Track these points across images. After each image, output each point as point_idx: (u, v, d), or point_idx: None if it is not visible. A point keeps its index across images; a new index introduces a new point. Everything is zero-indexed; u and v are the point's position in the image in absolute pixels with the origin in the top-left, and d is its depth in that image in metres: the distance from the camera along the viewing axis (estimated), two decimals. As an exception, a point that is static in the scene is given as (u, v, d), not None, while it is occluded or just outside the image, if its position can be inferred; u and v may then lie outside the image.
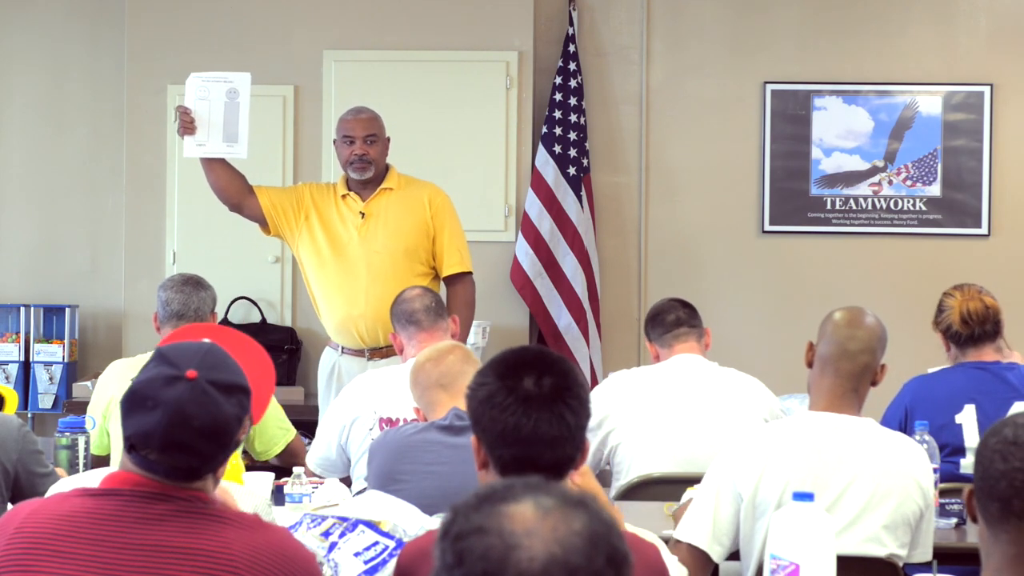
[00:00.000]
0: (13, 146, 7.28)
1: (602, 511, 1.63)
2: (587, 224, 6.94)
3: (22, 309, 7.04)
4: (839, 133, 7.06)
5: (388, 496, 3.34)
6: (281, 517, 3.39)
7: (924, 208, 7.05)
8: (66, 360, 6.98)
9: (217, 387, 2.37)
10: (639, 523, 2.97)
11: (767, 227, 7.09)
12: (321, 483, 4.07)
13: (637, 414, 4.48)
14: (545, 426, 2.45)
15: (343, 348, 5.49)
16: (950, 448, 4.29)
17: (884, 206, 7.05)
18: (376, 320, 5.30)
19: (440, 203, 5.51)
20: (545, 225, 6.85)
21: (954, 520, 3.95)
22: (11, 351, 6.99)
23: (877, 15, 7.08)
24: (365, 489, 3.86)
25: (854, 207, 7.06)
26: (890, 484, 3.36)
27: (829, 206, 7.07)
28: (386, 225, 5.46)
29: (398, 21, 6.96)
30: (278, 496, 4.03)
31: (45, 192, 7.25)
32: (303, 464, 4.47)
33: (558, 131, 6.93)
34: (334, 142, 5.60)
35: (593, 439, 4.44)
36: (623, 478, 4.44)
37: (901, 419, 4.39)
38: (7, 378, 6.94)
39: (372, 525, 3.09)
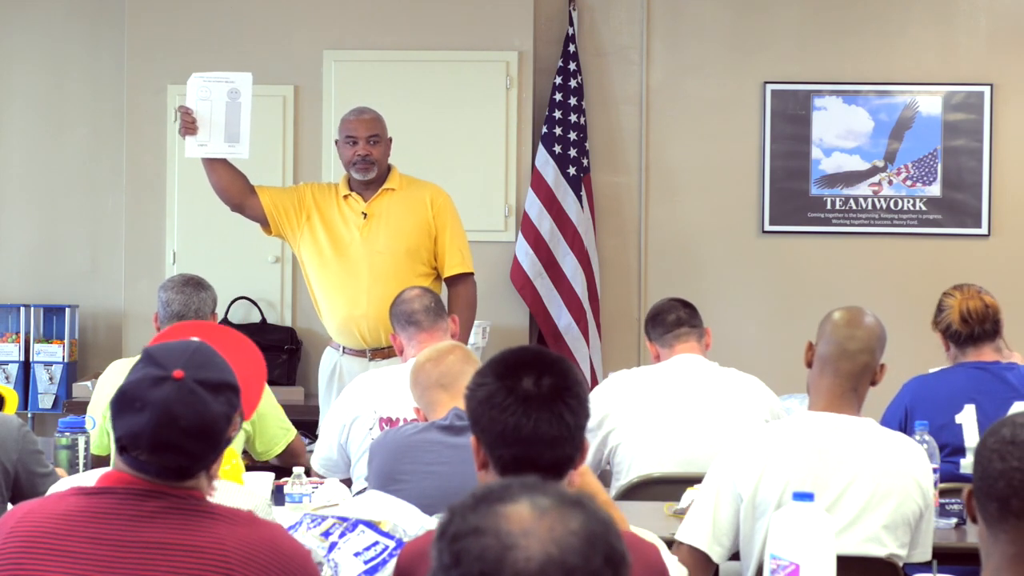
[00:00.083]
0: (13, 146, 7.28)
1: (599, 510, 1.63)
2: (587, 224, 6.94)
3: (22, 309, 7.05)
4: (839, 133, 7.06)
5: (388, 496, 3.34)
6: (281, 517, 3.39)
7: (924, 208, 7.05)
8: (66, 360, 6.98)
9: (204, 386, 2.38)
10: (639, 523, 2.97)
11: (767, 227, 7.09)
12: (321, 483, 4.08)
13: (637, 414, 4.48)
14: (545, 426, 2.45)
15: (344, 348, 5.49)
16: (950, 448, 4.29)
17: (884, 206, 7.05)
18: (378, 320, 5.30)
19: (442, 203, 5.52)
20: (545, 225, 6.85)
21: (954, 520, 3.95)
22: (11, 351, 7.00)
23: (877, 15, 7.08)
24: (365, 489, 3.86)
25: (854, 207, 7.06)
26: (890, 484, 3.36)
27: (829, 206, 7.07)
28: (388, 225, 5.46)
29: (398, 21, 6.96)
30: (278, 496, 4.04)
31: (45, 192, 7.25)
32: (303, 464, 4.47)
33: (558, 131, 6.93)
34: (336, 142, 5.60)
35: (593, 439, 4.44)
36: (623, 478, 4.44)
37: (901, 419, 4.39)
38: (7, 378, 6.94)
39: (372, 525, 3.09)
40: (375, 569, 3.01)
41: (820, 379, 3.47)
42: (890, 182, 7.05)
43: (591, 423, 3.85)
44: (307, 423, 5.43)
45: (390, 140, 5.53)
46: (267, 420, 4.74)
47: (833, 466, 3.36)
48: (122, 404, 2.39)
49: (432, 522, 3.11)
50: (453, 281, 5.54)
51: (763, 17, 7.10)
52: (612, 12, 7.12)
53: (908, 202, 7.05)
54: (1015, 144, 7.05)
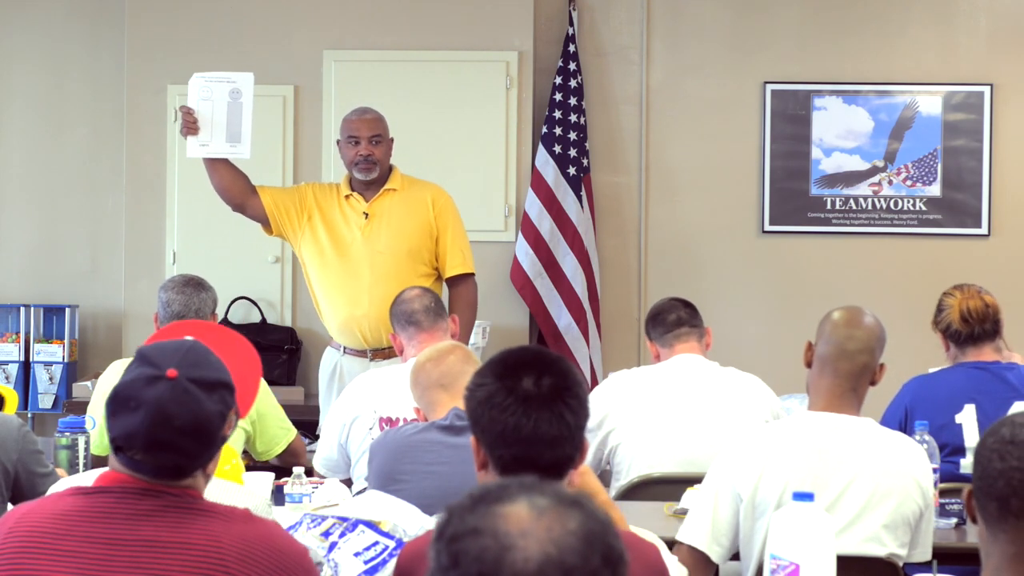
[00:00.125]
0: (13, 146, 7.28)
1: (597, 510, 1.63)
2: (587, 224, 6.94)
3: (22, 309, 7.05)
4: (839, 133, 7.06)
5: (388, 496, 3.34)
6: (281, 517, 3.39)
7: (924, 208, 7.05)
8: (66, 360, 6.98)
9: (198, 384, 2.38)
10: (639, 523, 2.97)
11: (767, 227, 7.09)
12: (321, 483, 4.08)
13: (637, 414, 4.48)
14: (545, 426, 2.45)
15: (345, 348, 5.49)
16: (950, 448, 4.29)
17: (884, 206, 7.05)
18: (379, 320, 5.30)
19: (443, 204, 5.53)
20: (545, 225, 6.85)
21: (954, 520, 3.95)
22: (11, 351, 7.00)
23: (877, 15, 7.08)
24: (365, 489, 3.86)
25: (854, 207, 7.06)
26: (890, 484, 3.36)
27: (829, 206, 7.07)
28: (390, 225, 5.47)
29: (398, 21, 6.96)
30: (278, 496, 4.04)
31: (45, 192, 7.26)
32: (303, 464, 4.47)
33: (558, 131, 6.93)
34: (338, 143, 5.60)
35: (593, 439, 4.44)
36: (623, 478, 4.44)
37: (901, 419, 4.39)
38: (7, 378, 6.95)
39: (372, 525, 3.09)
40: (375, 569, 3.01)
41: (819, 379, 3.47)
42: (890, 182, 7.05)
43: (591, 423, 3.85)
44: (307, 423, 5.43)
45: (392, 140, 5.53)
46: (267, 420, 4.74)
47: (833, 466, 3.36)
48: (116, 404, 2.39)
49: (432, 522, 3.11)
50: (454, 281, 5.54)
51: (763, 17, 7.10)
52: (612, 12, 7.12)
53: (908, 202, 7.05)
54: (1015, 144, 7.05)
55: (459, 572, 1.58)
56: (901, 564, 3.38)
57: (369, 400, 4.46)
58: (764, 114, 7.08)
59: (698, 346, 4.68)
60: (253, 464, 4.69)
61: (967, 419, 4.32)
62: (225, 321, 6.71)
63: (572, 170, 6.92)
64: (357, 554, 3.03)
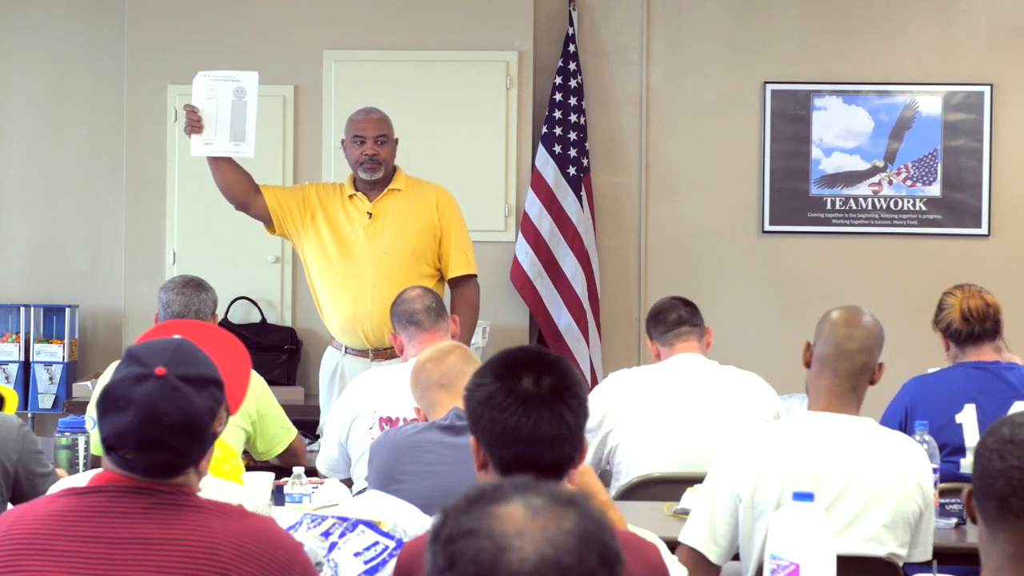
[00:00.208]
0: (13, 146, 7.28)
1: (592, 509, 1.63)
2: (587, 224, 6.94)
3: (22, 309, 7.05)
4: (839, 133, 7.06)
5: (388, 496, 3.35)
6: (281, 517, 3.39)
7: (924, 208, 7.05)
8: (66, 360, 6.98)
9: (187, 382, 2.38)
10: (639, 523, 2.97)
11: (767, 227, 7.09)
12: (321, 483, 4.08)
13: (637, 414, 4.48)
14: (545, 426, 2.45)
15: (347, 348, 5.49)
16: (950, 448, 4.29)
17: (884, 206, 7.05)
18: (382, 320, 5.30)
19: (447, 205, 5.54)
20: (545, 225, 6.85)
21: (954, 520, 3.95)
22: (11, 351, 7.00)
23: (877, 15, 7.08)
24: (365, 489, 3.86)
25: (854, 207, 7.06)
26: (889, 483, 3.36)
27: (829, 206, 7.07)
28: (393, 226, 5.47)
29: (398, 21, 6.96)
30: (278, 496, 4.04)
31: (45, 192, 7.26)
32: (303, 464, 4.47)
33: (558, 131, 6.93)
34: (342, 142, 5.60)
35: (593, 439, 4.44)
36: (623, 478, 4.44)
37: (901, 419, 4.39)
38: (7, 378, 6.94)
39: (372, 525, 3.09)
40: (375, 569, 3.01)
41: (819, 379, 3.46)
42: (890, 182, 7.05)
43: (591, 423, 3.85)
44: (307, 423, 5.43)
45: (396, 141, 5.54)
46: (268, 420, 4.74)
47: (832, 466, 3.36)
48: (106, 404, 2.39)
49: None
50: (457, 282, 5.55)
51: (763, 17, 7.10)
52: (612, 12, 7.12)
53: (908, 202, 7.05)
54: (1015, 144, 7.05)
55: (455, 573, 1.58)
56: (901, 564, 3.38)
57: (369, 400, 4.46)
58: (764, 114, 7.08)
59: (699, 345, 4.68)
60: (253, 464, 4.69)
61: (967, 419, 4.32)
62: (225, 321, 6.71)
63: (572, 170, 6.92)
64: (357, 554, 3.03)
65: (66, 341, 6.99)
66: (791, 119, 7.07)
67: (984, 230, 7.03)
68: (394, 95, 6.70)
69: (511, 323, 6.92)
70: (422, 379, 3.90)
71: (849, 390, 3.43)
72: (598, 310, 6.96)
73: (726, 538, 3.41)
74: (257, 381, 4.74)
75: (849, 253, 7.07)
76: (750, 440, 3.46)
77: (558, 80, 6.96)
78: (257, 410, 4.70)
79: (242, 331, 6.70)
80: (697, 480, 3.92)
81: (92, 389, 5.26)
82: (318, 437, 5.18)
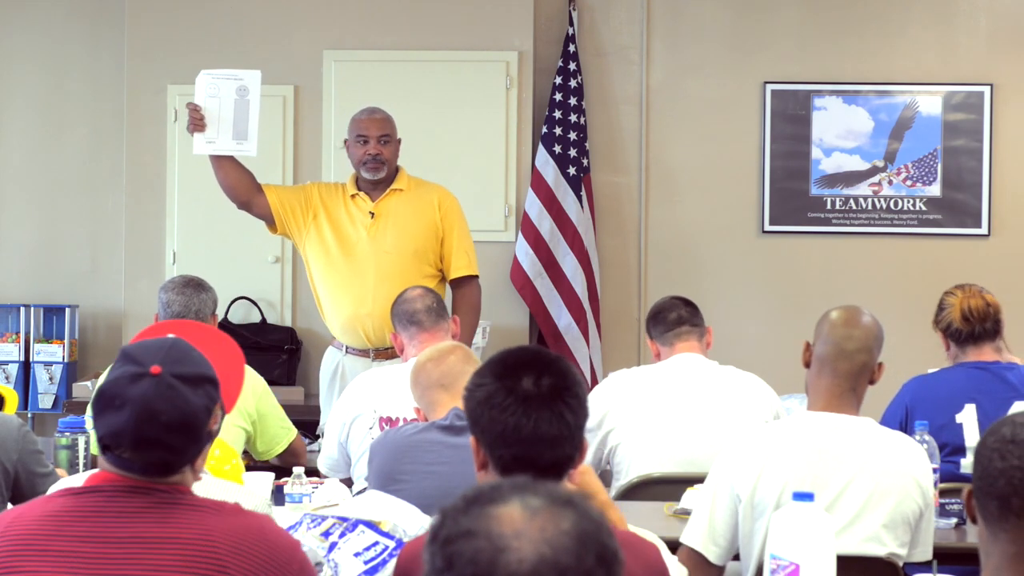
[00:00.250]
0: (13, 146, 7.28)
1: (590, 509, 1.63)
2: (587, 224, 6.94)
3: (22, 309, 7.05)
4: (839, 133, 7.06)
5: (388, 496, 3.34)
6: (281, 517, 3.39)
7: (924, 208, 7.05)
8: (66, 360, 6.98)
9: (183, 380, 2.38)
10: (639, 523, 2.97)
11: (767, 227, 7.09)
12: (321, 483, 4.08)
13: (637, 414, 4.48)
14: (545, 425, 2.45)
15: (348, 348, 5.49)
16: (950, 448, 4.29)
17: (884, 206, 7.05)
18: (383, 320, 5.30)
19: (449, 206, 5.55)
20: (545, 225, 6.85)
21: (954, 520, 3.95)
22: (11, 351, 6.99)
23: (877, 15, 7.08)
24: (365, 489, 3.86)
25: (854, 207, 7.06)
26: (889, 483, 3.36)
27: (829, 206, 7.07)
28: (396, 225, 5.48)
29: (398, 21, 6.96)
30: (278, 496, 4.04)
31: (45, 192, 7.26)
32: (303, 464, 4.47)
33: (558, 131, 6.93)
34: (345, 142, 5.61)
35: (593, 439, 4.44)
36: (623, 478, 4.44)
37: (901, 419, 4.39)
38: (7, 378, 6.94)
39: (372, 525, 3.09)
40: (375, 569, 3.01)
41: (818, 379, 3.46)
42: (890, 182, 7.05)
43: (591, 423, 3.85)
44: (307, 423, 5.43)
45: (399, 141, 5.55)
46: (268, 420, 4.74)
47: (832, 466, 3.36)
48: (102, 403, 2.39)
49: (432, 522, 3.11)
50: (458, 283, 5.56)
51: (763, 17, 7.10)
52: (612, 12, 7.12)
53: (908, 202, 7.05)
54: (1015, 144, 7.05)
55: (453, 574, 1.58)
56: (901, 564, 3.38)
57: (369, 399, 4.46)
58: (764, 114, 7.08)
59: (698, 345, 4.68)
60: (253, 464, 4.70)
61: (967, 419, 4.32)
62: (225, 321, 6.71)
63: (572, 170, 6.92)
64: (357, 554, 3.03)
65: (66, 341, 6.99)
66: (791, 119, 7.07)
67: (984, 230, 7.03)
68: (394, 95, 6.70)
69: (511, 323, 6.92)
70: (422, 379, 3.90)
71: (849, 390, 3.43)
72: (598, 310, 6.95)
73: (725, 538, 3.41)
74: (257, 381, 4.74)
75: (849, 253, 7.07)
76: (750, 440, 3.46)
77: (558, 80, 6.96)
78: (257, 410, 4.71)
79: (242, 331, 6.70)
80: (697, 480, 3.92)
81: (92, 389, 5.26)
82: (318, 437, 5.18)
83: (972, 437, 4.27)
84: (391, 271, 5.41)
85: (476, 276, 5.58)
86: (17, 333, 7.01)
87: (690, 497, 3.98)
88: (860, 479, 3.35)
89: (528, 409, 2.45)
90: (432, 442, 3.69)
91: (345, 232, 5.50)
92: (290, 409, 4.96)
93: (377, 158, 5.45)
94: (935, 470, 3.66)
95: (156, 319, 4.80)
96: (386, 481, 3.64)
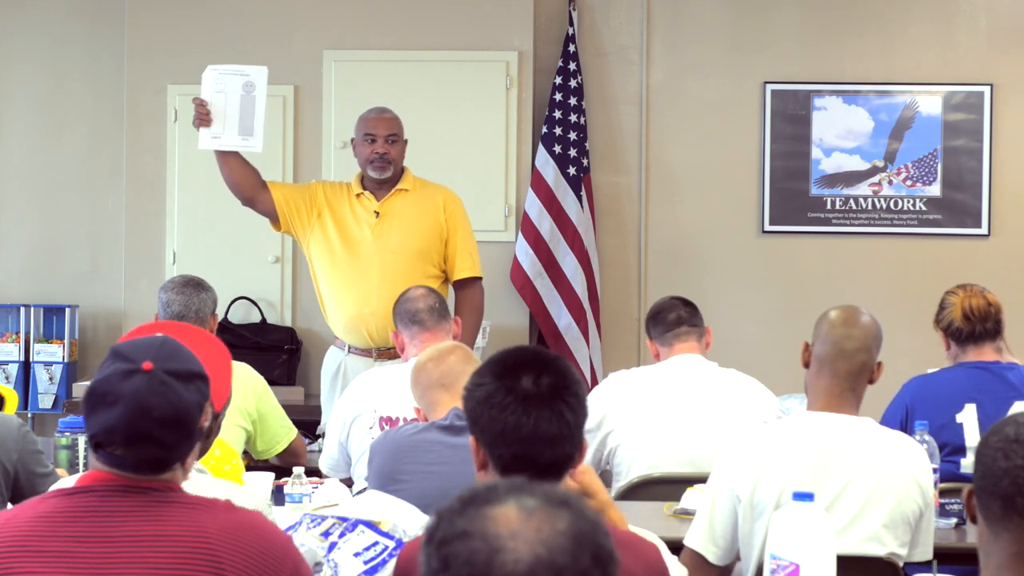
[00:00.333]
0: (13, 146, 7.28)
1: (586, 509, 1.63)
2: (587, 224, 6.94)
3: (22, 309, 7.04)
4: (839, 133, 7.06)
5: (388, 496, 3.34)
6: (281, 517, 3.39)
7: (924, 208, 7.05)
8: (66, 360, 6.98)
9: (175, 376, 2.38)
10: (639, 523, 2.97)
11: (767, 227, 7.09)
12: (321, 483, 4.08)
13: (637, 414, 4.48)
14: (545, 424, 2.45)
15: (350, 347, 5.50)
16: (950, 448, 4.29)
17: (884, 206, 7.05)
18: (386, 319, 5.30)
19: (454, 207, 5.56)
20: (545, 225, 6.85)
21: (954, 520, 3.95)
22: (11, 351, 6.99)
23: (877, 15, 7.07)
24: (365, 489, 3.86)
25: (854, 207, 7.06)
26: (889, 483, 3.36)
27: (829, 206, 7.07)
28: (400, 225, 5.49)
29: (398, 21, 6.96)
30: (278, 496, 4.04)
31: (45, 192, 7.26)
32: (303, 464, 4.47)
33: (558, 131, 6.93)
34: (352, 141, 5.62)
35: (593, 439, 4.44)
36: (623, 478, 4.44)
37: (902, 418, 4.39)
38: (7, 378, 6.94)
39: (372, 525, 3.09)
40: (375, 569, 3.01)
41: (818, 379, 3.46)
42: (890, 182, 7.05)
43: (590, 423, 3.85)
44: (307, 423, 5.43)
45: (406, 141, 5.56)
46: (268, 420, 4.74)
47: (832, 465, 3.36)
48: (94, 400, 2.39)
49: (432, 522, 3.11)
50: (461, 285, 5.56)
51: (763, 17, 7.10)
52: (612, 12, 7.12)
53: (908, 202, 7.05)
54: (1015, 144, 7.05)
55: (450, 575, 1.58)
56: (901, 564, 3.38)
57: (369, 399, 4.46)
58: (764, 114, 7.08)
59: (698, 346, 4.67)
60: (253, 464, 4.70)
61: (968, 419, 4.32)
62: (225, 321, 6.71)
63: (572, 170, 6.92)
64: (357, 554, 3.03)
65: (66, 341, 6.99)
66: (791, 119, 7.07)
67: (984, 230, 7.03)
68: (394, 95, 6.69)
69: (511, 323, 6.92)
70: (422, 379, 3.90)
71: (848, 390, 3.43)
72: (598, 310, 6.95)
73: (725, 539, 3.41)
74: (257, 380, 4.74)
75: (849, 253, 7.07)
76: (749, 440, 3.46)
77: (558, 80, 6.96)
78: (257, 409, 4.70)
79: (242, 331, 6.70)
80: (697, 480, 3.92)
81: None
82: (318, 437, 5.18)
83: (972, 437, 4.27)
84: (395, 271, 5.41)
85: (480, 278, 5.59)
86: (17, 333, 7.01)
87: (690, 497, 3.98)
88: (860, 479, 3.35)
89: (528, 408, 2.45)
90: (432, 442, 3.69)
91: (349, 231, 5.50)
92: (290, 409, 4.96)
93: (384, 157, 5.47)
94: (935, 470, 3.66)
95: (156, 319, 4.79)
96: (386, 481, 3.64)
